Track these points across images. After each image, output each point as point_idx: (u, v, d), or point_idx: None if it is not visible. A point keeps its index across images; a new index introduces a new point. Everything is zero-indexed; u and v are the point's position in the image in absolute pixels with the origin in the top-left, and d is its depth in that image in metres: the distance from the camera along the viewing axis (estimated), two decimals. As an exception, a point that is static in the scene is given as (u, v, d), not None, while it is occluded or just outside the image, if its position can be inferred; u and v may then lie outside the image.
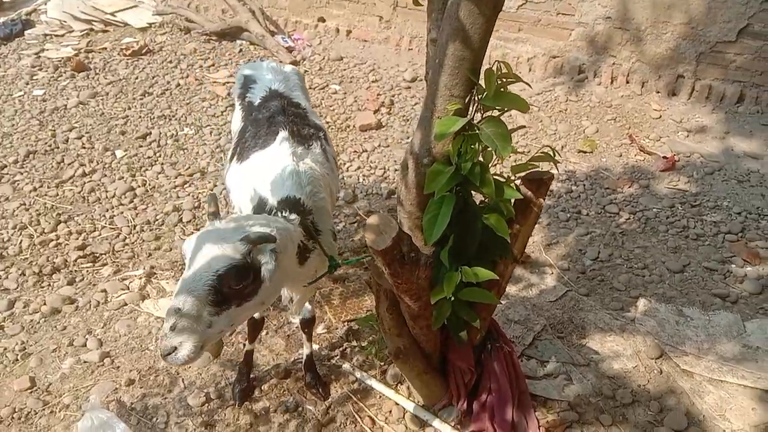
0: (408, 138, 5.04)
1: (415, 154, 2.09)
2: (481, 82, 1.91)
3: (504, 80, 1.94)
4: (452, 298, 2.25)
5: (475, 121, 1.97)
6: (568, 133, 5.03)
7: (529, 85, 2.39)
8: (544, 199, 2.26)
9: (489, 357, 2.61)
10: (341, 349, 3.05)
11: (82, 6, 7.36)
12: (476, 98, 1.97)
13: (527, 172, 2.20)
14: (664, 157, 4.61)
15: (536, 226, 3.88)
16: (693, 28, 5.18)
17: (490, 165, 2.05)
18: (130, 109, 5.45)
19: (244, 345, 3.02)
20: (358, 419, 2.70)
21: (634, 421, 2.67)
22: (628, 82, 5.57)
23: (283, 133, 2.48)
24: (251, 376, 2.84)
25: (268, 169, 2.36)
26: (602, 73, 5.64)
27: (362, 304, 3.32)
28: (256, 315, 2.70)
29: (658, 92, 5.44)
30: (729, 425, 2.66)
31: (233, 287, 1.86)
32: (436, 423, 2.62)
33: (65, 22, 7.25)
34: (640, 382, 2.85)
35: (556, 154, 2.11)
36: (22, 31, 7.09)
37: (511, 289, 3.41)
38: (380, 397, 2.79)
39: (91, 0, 7.43)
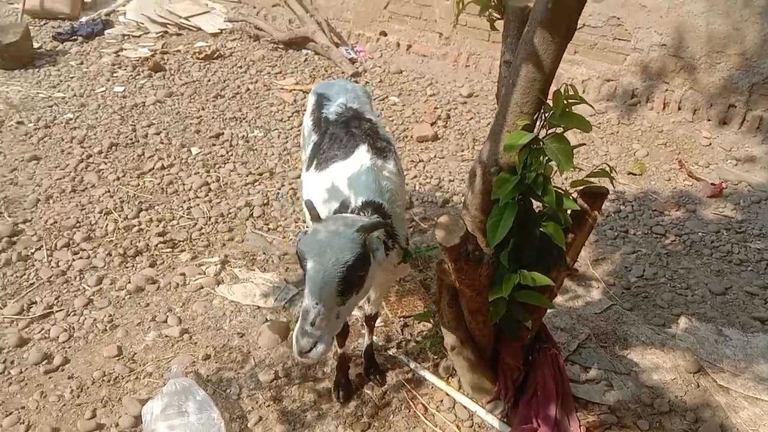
0: (462, 151, 5.27)
1: (483, 162, 2.34)
2: (549, 101, 2.15)
3: (569, 101, 2.18)
4: (507, 298, 2.49)
5: (540, 137, 2.21)
6: (619, 155, 5.20)
7: (593, 107, 2.60)
8: (599, 212, 2.47)
9: (537, 357, 2.82)
10: (397, 341, 3.30)
11: (158, 9, 7.84)
12: (544, 116, 2.22)
13: (585, 186, 2.42)
14: (712, 184, 4.74)
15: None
16: (747, 60, 5.30)
17: (552, 178, 2.28)
18: (203, 109, 5.83)
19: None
20: (412, 405, 2.93)
21: (670, 429, 2.84)
22: (680, 109, 5.71)
23: (363, 146, 2.69)
24: (349, 376, 3.03)
25: (352, 177, 2.57)
26: (654, 98, 5.79)
27: (416, 303, 3.56)
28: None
29: (709, 120, 5.56)
30: (762, 438, 2.81)
31: (358, 275, 2.02)
32: (484, 414, 2.84)
33: (142, 24, 7.74)
34: (677, 394, 3.02)
35: (612, 171, 2.34)
36: (102, 30, 7.59)
37: (558, 299, 3.61)
38: (432, 387, 3.03)
39: (167, 4, 7.90)
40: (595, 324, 3.41)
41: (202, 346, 3.26)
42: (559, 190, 2.32)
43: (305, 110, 3.46)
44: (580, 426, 2.79)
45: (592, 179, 2.39)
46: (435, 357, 3.16)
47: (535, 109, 2.20)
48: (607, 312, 3.53)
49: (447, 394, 2.97)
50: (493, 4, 2.44)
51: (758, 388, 3.05)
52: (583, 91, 6.09)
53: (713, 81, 5.52)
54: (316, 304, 1.95)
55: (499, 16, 2.46)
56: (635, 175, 4.94)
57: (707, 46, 5.44)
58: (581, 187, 2.43)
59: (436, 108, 5.89)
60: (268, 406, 2.92)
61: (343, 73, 6.62)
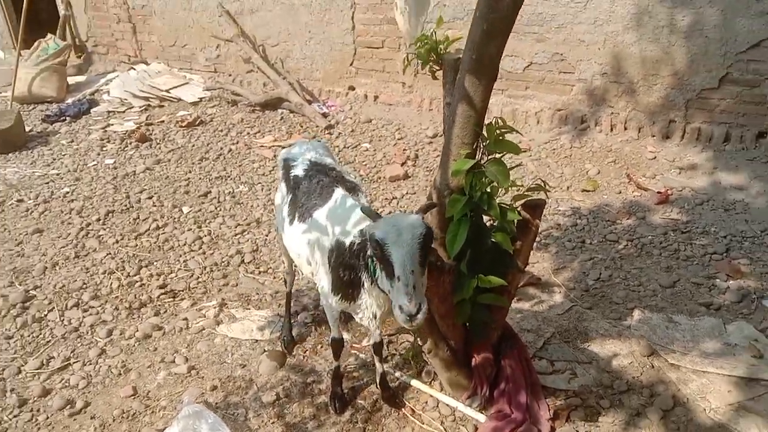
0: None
1: (437, 188, 2.80)
2: (485, 132, 2.63)
3: (502, 131, 2.66)
4: (471, 302, 2.92)
5: (482, 162, 2.68)
6: (573, 175, 5.71)
7: (521, 134, 3.08)
8: (539, 221, 2.92)
9: (505, 354, 3.22)
10: (384, 356, 3.67)
11: (140, 85, 8.38)
12: (482, 145, 2.69)
13: (526, 199, 2.87)
14: (659, 192, 5.24)
15: (546, 254, 4.55)
16: (679, 79, 5.89)
17: (496, 195, 2.73)
18: (190, 172, 6.29)
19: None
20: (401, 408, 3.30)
21: (629, 405, 3.23)
22: (625, 129, 6.26)
23: (338, 188, 3.06)
24: (344, 388, 3.38)
25: (338, 215, 2.89)
26: (602, 121, 6.34)
27: (395, 321, 3.94)
28: (337, 335, 3.25)
29: (653, 136, 6.11)
30: (709, 405, 3.20)
31: (429, 245, 2.34)
32: (464, 408, 3.22)
33: (126, 99, 8.27)
34: (634, 375, 3.41)
35: (546, 184, 2.81)
36: (88, 109, 8.11)
37: (524, 305, 4.03)
38: (417, 391, 3.40)
39: (148, 80, 8.45)
40: (558, 323, 3.82)
41: (209, 379, 3.62)
42: (504, 205, 2.78)
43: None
44: (549, 409, 3.18)
45: (530, 193, 2.86)
46: (417, 365, 3.54)
47: (474, 139, 2.68)
48: (568, 312, 3.94)
49: (431, 396, 3.34)
50: (432, 59, 2.94)
51: (704, 362, 3.45)
52: (538, 122, 6.63)
53: (652, 100, 6.09)
54: (412, 272, 2.24)
55: (438, 67, 2.95)
56: (589, 191, 5.43)
57: (643, 70, 6.03)
58: (522, 201, 2.89)
59: (404, 150, 6.39)
60: (273, 422, 3.27)
61: (317, 126, 7.14)
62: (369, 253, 2.60)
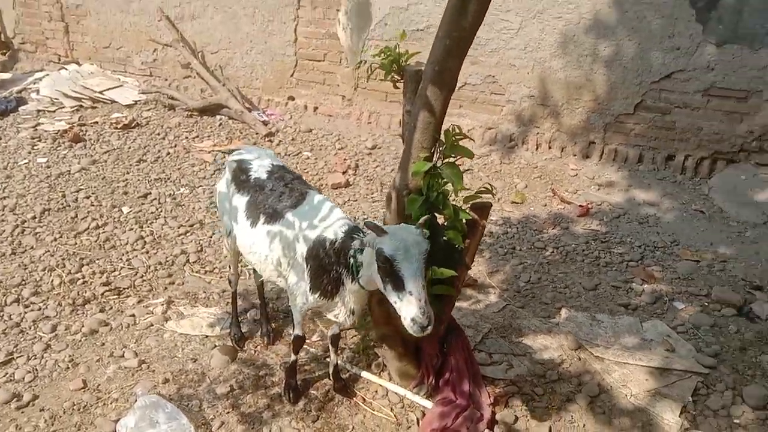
0: (372, 194, 6.00)
1: (396, 188, 3.04)
2: (443, 137, 2.91)
3: (456, 137, 2.94)
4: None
5: (438, 165, 2.95)
6: (503, 188, 6.12)
7: (473, 140, 3.37)
8: (486, 221, 3.22)
9: (450, 345, 3.48)
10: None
11: (72, 85, 8.20)
12: (438, 149, 2.96)
13: (474, 201, 3.16)
14: (580, 206, 5.71)
15: (480, 258, 4.86)
16: (599, 104, 6.44)
17: (449, 196, 2.99)
18: (128, 173, 6.25)
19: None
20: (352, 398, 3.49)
21: (560, 392, 3.56)
22: (550, 148, 6.76)
23: (313, 192, 3.19)
24: (298, 380, 3.51)
25: (319, 217, 3.01)
26: (529, 140, 6.81)
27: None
28: (300, 333, 3.36)
29: (575, 155, 6.63)
30: (629, 391, 3.58)
31: (429, 259, 2.54)
32: (411, 396, 3.44)
33: (57, 99, 8.06)
34: (564, 366, 3.75)
35: (493, 188, 3.11)
36: (16, 107, 7.84)
37: (464, 304, 4.32)
38: (368, 382, 3.60)
39: (81, 80, 8.28)
40: (494, 320, 4.13)
41: (160, 373, 3.66)
42: (456, 206, 3.05)
43: (221, 178, 3.70)
44: (489, 396, 3.45)
45: (479, 195, 3.15)
46: (367, 358, 3.75)
47: (432, 144, 2.94)
48: (503, 311, 4.27)
49: (380, 386, 3.55)
50: (394, 69, 3.19)
51: (624, 355, 3.85)
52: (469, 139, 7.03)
53: (574, 123, 6.61)
54: (423, 286, 2.43)
55: (399, 78, 3.21)
56: (518, 203, 5.84)
57: (567, 94, 6.55)
58: (471, 202, 3.17)
59: (345, 159, 6.62)
60: (228, 412, 3.37)
61: (257, 134, 7.25)
62: (351, 253, 2.78)
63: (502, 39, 6.60)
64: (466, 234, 3.15)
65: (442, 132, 2.95)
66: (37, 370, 3.67)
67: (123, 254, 4.87)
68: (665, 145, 6.31)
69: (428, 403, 3.40)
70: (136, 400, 3.37)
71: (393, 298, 2.52)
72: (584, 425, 3.35)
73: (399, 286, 2.46)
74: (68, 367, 3.70)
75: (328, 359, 3.77)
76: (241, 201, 3.38)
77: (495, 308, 4.30)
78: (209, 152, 6.77)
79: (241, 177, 3.44)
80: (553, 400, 3.49)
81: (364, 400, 3.49)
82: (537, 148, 6.77)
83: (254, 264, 3.42)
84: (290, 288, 3.16)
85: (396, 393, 3.50)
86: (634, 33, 6.02)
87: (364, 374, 3.64)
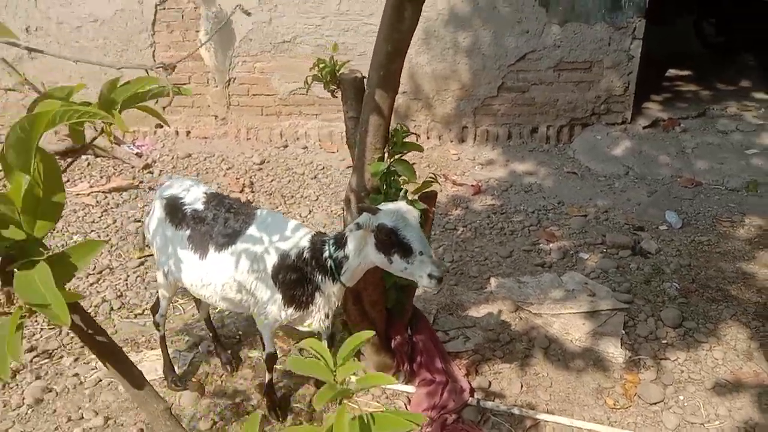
0: (277, 207, 6.03)
1: (355, 190, 3.20)
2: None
3: (403, 134, 3.17)
4: (393, 286, 3.36)
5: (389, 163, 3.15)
6: (400, 181, 6.44)
7: (418, 136, 3.60)
8: (434, 209, 3.48)
9: (416, 329, 3.71)
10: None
11: None
12: (389, 148, 3.17)
13: (423, 191, 3.40)
14: (472, 185, 6.19)
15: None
16: (466, 91, 6.98)
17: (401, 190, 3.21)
18: (5, 230, 5.69)
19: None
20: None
21: (517, 350, 3.93)
22: (428, 138, 7.20)
23: (259, 210, 3.18)
24: (279, 396, 3.54)
25: (278, 232, 3.05)
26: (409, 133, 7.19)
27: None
28: (272, 350, 3.36)
29: (452, 141, 7.13)
30: (573, 336, 4.04)
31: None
32: (393, 385, 3.63)
33: None
34: (511, 327, 4.14)
35: (437, 177, 3.38)
36: None
37: (404, 293, 4.56)
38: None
39: None
40: (438, 301, 4.43)
41: (130, 425, 3.49)
42: (412, 199, 3.27)
43: (150, 216, 3.49)
44: (460, 368, 3.73)
45: (428, 184, 3.40)
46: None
47: (384, 144, 3.14)
48: (442, 291, 4.57)
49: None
50: (329, 80, 3.33)
51: (557, 307, 4.32)
52: (352, 139, 7.28)
53: (447, 111, 7.10)
54: (428, 244, 2.67)
55: (336, 87, 3.36)
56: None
57: (436, 86, 7.01)
58: (420, 193, 3.41)
59: (237, 178, 6.55)
60: (218, 444, 3.34)
61: (133, 167, 6.91)
62: (326, 255, 2.89)
63: (368, 42, 6.90)
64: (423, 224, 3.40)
65: (392, 131, 3.17)
66: (-12, 455, 3.35)
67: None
68: (528, 119, 7.00)
69: (410, 388, 3.61)
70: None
71: (402, 266, 2.65)
72: (548, 374, 3.75)
73: (407, 251, 2.61)
74: (24, 444, 3.41)
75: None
76: (181, 236, 3.24)
77: (433, 291, 4.58)
78: (88, 195, 6.35)
79: (175, 214, 3.30)
80: (514, 358, 3.86)
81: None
82: (417, 139, 7.14)
83: (207, 297, 3.29)
84: (259, 306, 3.15)
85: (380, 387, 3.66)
86: (487, 22, 6.61)
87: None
